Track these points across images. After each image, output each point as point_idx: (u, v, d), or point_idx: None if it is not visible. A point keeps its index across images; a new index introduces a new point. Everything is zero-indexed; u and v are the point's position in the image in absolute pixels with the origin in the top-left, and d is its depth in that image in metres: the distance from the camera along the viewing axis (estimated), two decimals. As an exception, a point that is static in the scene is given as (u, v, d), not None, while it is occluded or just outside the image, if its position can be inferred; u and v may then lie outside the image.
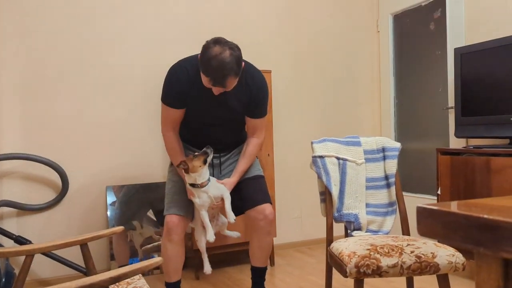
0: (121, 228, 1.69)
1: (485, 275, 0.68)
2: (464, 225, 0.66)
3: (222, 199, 2.06)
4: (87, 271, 1.60)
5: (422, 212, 0.75)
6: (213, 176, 2.15)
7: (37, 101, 2.77)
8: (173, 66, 2.08)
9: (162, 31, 3.10)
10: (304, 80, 3.61)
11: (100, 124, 2.93)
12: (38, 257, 2.73)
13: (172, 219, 2.10)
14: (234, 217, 2.04)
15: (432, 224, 0.73)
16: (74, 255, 2.83)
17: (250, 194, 2.15)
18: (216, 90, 1.94)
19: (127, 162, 3.00)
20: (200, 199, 2.03)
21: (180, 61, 2.09)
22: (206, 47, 1.86)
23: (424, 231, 0.75)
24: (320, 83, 3.67)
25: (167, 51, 3.11)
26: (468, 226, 0.65)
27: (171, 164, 2.23)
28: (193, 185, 2.02)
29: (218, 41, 1.87)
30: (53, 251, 2.74)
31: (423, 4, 3.43)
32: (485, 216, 0.63)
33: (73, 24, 2.86)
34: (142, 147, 3.05)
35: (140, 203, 2.96)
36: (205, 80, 1.90)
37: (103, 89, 2.94)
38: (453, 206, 0.73)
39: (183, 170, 2.01)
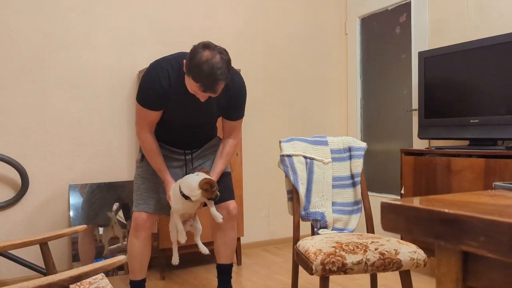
0: (83, 226, 1.64)
1: (445, 268, 0.70)
2: (426, 219, 0.67)
3: (202, 203, 2.10)
4: (47, 271, 1.54)
5: (386, 207, 0.76)
6: (185, 170, 2.20)
7: (-4, 96, 2.66)
8: (152, 66, 1.97)
9: (128, 29, 3.04)
10: (273, 80, 3.63)
11: (61, 121, 2.84)
12: (-6, 258, 2.62)
13: (141, 215, 2.08)
14: (221, 216, 2.07)
15: (396, 219, 0.74)
16: (33, 256, 2.72)
17: None
18: (203, 96, 1.88)
19: (90, 160, 2.92)
20: (184, 206, 2.03)
21: (159, 61, 1.98)
22: (195, 52, 1.79)
23: (388, 226, 0.76)
24: (288, 84, 3.70)
25: (133, 49, 3.05)
26: (430, 220, 0.67)
27: (141, 160, 2.18)
28: (185, 196, 1.99)
29: (207, 45, 1.81)
30: (10, 251, 2.63)
31: (389, 8, 3.51)
32: (446, 210, 0.64)
33: (36, 19, 2.76)
34: (106, 145, 2.97)
35: (104, 202, 2.89)
36: (194, 86, 1.83)
37: (65, 86, 2.85)
38: (416, 202, 0.74)
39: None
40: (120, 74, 3.00)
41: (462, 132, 2.61)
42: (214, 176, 2.12)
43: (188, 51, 1.88)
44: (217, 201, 2.11)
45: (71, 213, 2.79)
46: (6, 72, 2.68)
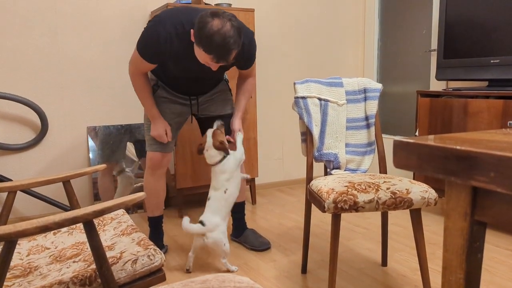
0: (103, 166, 1.70)
1: (454, 203, 0.72)
2: (437, 156, 0.68)
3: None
4: (71, 207, 1.62)
5: (398, 145, 0.77)
6: (191, 112, 2.23)
7: (9, 37, 2.65)
8: (155, 25, 1.86)
9: (139, -36, 2.94)
10: (288, 20, 3.53)
11: (75, 63, 2.84)
12: (19, 196, 2.75)
13: (155, 155, 2.15)
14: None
15: (408, 156, 0.75)
16: (55, 196, 2.85)
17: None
18: (215, 66, 1.84)
19: (106, 102, 2.95)
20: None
21: (163, 21, 1.86)
22: (204, 22, 1.71)
23: (400, 163, 0.77)
24: (304, 24, 3.60)
25: (146, -14, 2.97)
26: (441, 157, 0.68)
27: None
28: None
29: (215, 13, 1.73)
30: (34, 190, 2.75)
31: None
32: (458, 147, 0.65)
33: (44, -46, 2.68)
34: (120, 87, 2.99)
35: (121, 144, 2.96)
36: (205, 57, 1.77)
37: (78, 28, 2.82)
38: (429, 140, 0.75)
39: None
40: (132, 15, 2.95)
41: (482, 73, 2.55)
42: (239, 111, 2.18)
43: None
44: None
45: (91, 155, 2.87)
46: (15, 13, 2.66)
